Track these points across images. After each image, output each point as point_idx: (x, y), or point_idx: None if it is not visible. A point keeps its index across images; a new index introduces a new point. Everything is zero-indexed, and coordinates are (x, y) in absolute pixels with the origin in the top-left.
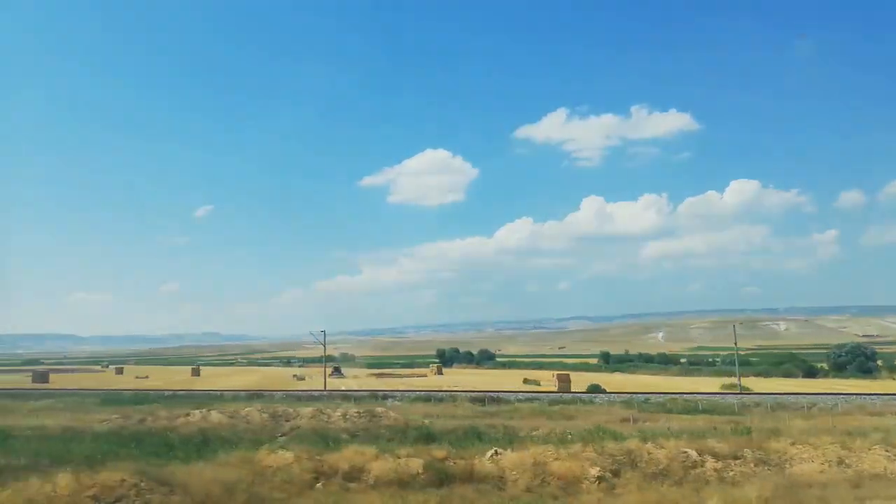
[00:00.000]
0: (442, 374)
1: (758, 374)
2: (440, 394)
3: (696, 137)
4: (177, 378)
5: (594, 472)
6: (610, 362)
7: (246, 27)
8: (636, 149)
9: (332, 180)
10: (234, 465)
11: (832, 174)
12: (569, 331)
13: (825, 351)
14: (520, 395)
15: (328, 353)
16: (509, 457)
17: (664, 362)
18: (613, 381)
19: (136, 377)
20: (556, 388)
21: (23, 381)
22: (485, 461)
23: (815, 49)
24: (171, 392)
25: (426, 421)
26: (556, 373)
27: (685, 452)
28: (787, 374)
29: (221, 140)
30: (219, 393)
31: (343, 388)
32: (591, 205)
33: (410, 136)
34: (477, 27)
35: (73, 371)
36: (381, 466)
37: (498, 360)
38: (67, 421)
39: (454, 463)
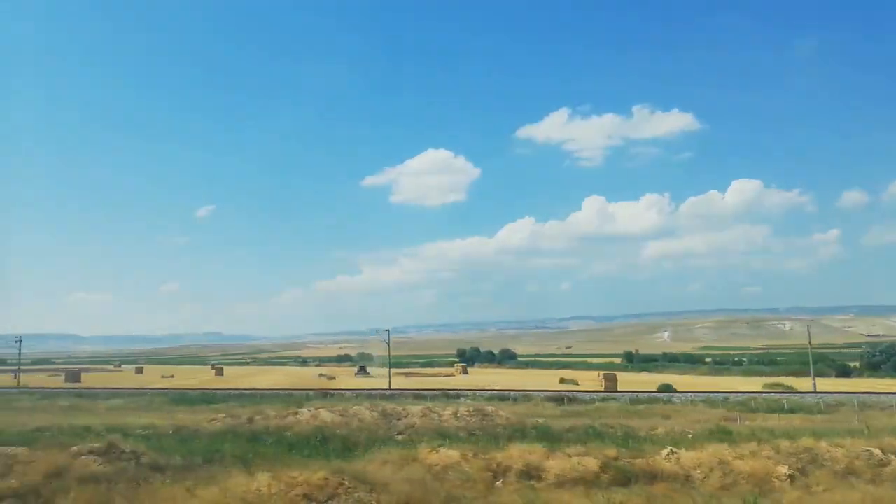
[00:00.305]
0: (467, 373)
1: (789, 374)
2: (514, 393)
3: (699, 137)
4: (202, 378)
5: (783, 470)
6: (634, 362)
7: (247, 27)
8: (638, 148)
9: (334, 180)
10: (397, 462)
11: (834, 174)
12: (571, 331)
13: (833, 350)
14: (593, 395)
15: (331, 353)
16: (687, 455)
17: (689, 361)
18: (653, 381)
19: (163, 376)
20: (602, 388)
21: (50, 381)
22: (661, 460)
23: (817, 49)
24: (226, 391)
25: (540, 420)
26: (602, 372)
27: (868, 451)
28: (819, 374)
29: (222, 140)
30: (257, 392)
31: (400, 388)
32: (592, 204)
33: (412, 135)
34: (479, 27)
35: (90, 371)
36: (558, 465)
37: (519, 359)
38: (163, 419)
39: (629, 462)
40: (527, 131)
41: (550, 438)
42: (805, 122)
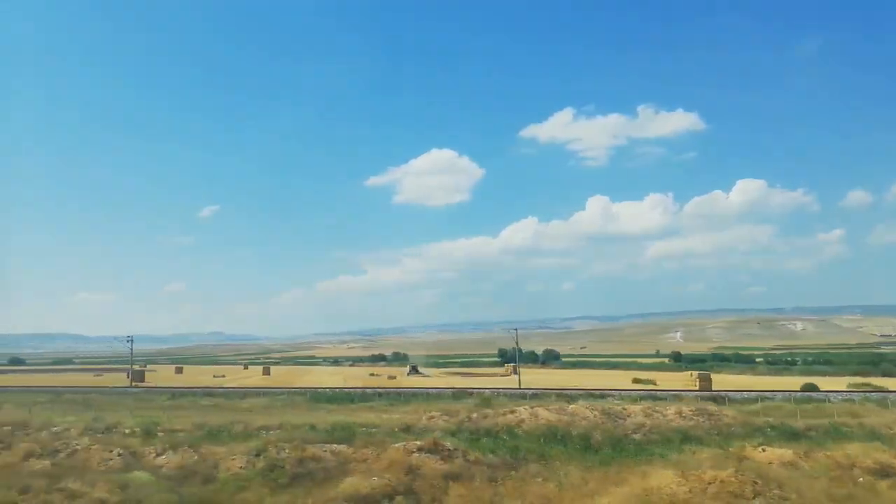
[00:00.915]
0: (517, 373)
1: (854, 374)
2: (661, 393)
3: (703, 137)
4: (251, 378)
5: None
6: (682, 361)
7: (249, 27)
8: (642, 148)
9: (337, 180)
10: (717, 460)
11: (838, 174)
12: (578, 331)
13: (848, 350)
14: (744, 394)
15: (343, 353)
16: None
17: (741, 361)
18: (744, 383)
19: (214, 376)
20: (696, 387)
21: (112, 380)
22: None
23: (821, 49)
24: (340, 390)
25: (769, 419)
26: (696, 372)
27: None
28: (888, 374)
29: (225, 140)
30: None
31: (480, 388)
32: (596, 204)
33: (416, 136)
34: (483, 27)
35: (112, 371)
36: None
37: (563, 360)
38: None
39: None
40: (531, 131)
41: (794, 436)
42: (809, 122)
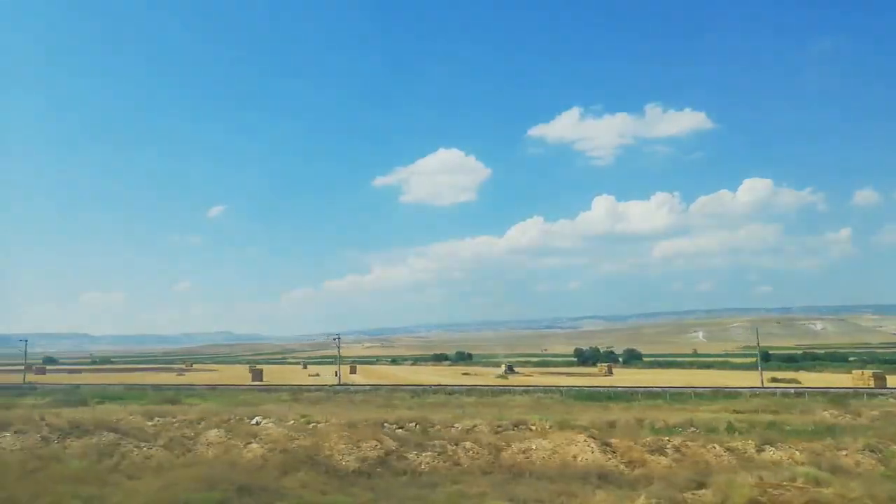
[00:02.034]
0: (612, 373)
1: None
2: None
3: (711, 136)
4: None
5: None
6: (770, 360)
7: (259, 23)
8: (650, 148)
9: (345, 180)
10: None
11: (846, 172)
12: (593, 331)
13: (871, 350)
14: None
15: (356, 352)
16: None
17: (834, 360)
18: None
19: (309, 375)
20: (872, 386)
21: (230, 377)
22: None
23: (830, 48)
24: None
25: None
26: (869, 372)
27: None
28: None
29: (233, 140)
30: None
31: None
32: (602, 204)
33: (424, 135)
34: (491, 26)
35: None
36: None
37: (643, 360)
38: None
39: None
40: (539, 130)
41: None
42: (817, 122)
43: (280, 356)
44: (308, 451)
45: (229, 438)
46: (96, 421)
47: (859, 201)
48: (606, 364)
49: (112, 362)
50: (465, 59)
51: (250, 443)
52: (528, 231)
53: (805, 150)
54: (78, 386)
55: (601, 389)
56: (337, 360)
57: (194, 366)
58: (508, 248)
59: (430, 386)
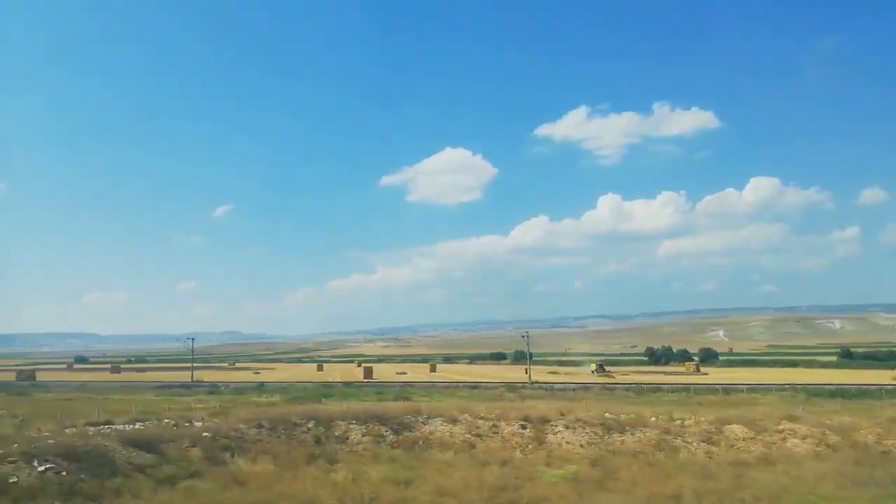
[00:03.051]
0: (700, 371)
1: None
2: None
3: (718, 135)
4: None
5: None
6: (854, 358)
7: (268, 21)
8: (656, 147)
9: (351, 180)
10: None
11: (853, 171)
12: (605, 330)
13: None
14: None
15: (374, 351)
16: None
17: None
18: None
19: (396, 373)
20: None
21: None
22: None
23: (835, 48)
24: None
25: None
26: None
27: None
28: None
29: (238, 141)
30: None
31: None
32: (607, 203)
33: (431, 135)
34: (498, 27)
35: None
36: None
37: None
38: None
39: None
40: (545, 130)
41: None
42: (823, 121)
43: (303, 355)
44: None
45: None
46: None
47: (866, 200)
48: (693, 363)
49: (147, 361)
50: (472, 59)
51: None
52: (532, 230)
53: (812, 148)
54: (261, 384)
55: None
56: (527, 358)
57: (236, 364)
58: (512, 247)
59: (645, 385)
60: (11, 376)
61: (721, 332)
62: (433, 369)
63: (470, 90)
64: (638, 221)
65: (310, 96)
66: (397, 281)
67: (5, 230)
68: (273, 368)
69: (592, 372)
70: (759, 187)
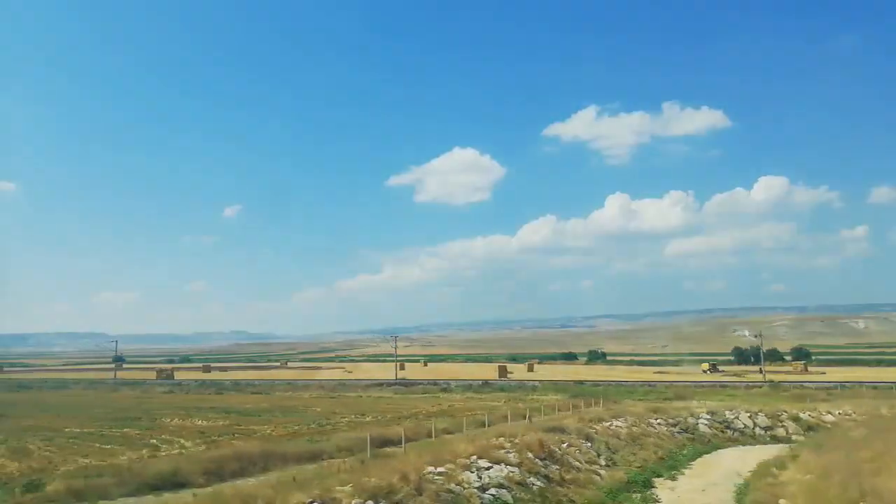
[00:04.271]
0: (808, 371)
1: None
2: None
3: (728, 134)
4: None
5: None
6: None
7: (273, 25)
8: (666, 146)
9: (359, 180)
10: None
11: (862, 170)
12: (620, 329)
13: None
14: None
15: (391, 350)
16: None
17: None
18: None
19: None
20: None
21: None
22: None
23: (846, 47)
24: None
25: None
26: None
27: None
28: None
29: (248, 141)
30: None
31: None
32: (616, 202)
33: (439, 135)
34: (507, 26)
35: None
36: None
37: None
38: None
39: None
40: (554, 129)
41: None
42: (833, 120)
43: (325, 355)
44: None
45: None
46: None
47: (876, 199)
48: (802, 363)
49: (190, 360)
50: (482, 59)
51: None
52: (540, 230)
53: (821, 148)
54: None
55: None
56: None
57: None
58: (521, 247)
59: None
60: (151, 375)
61: (747, 332)
62: (530, 369)
63: (479, 90)
64: (647, 221)
65: (319, 97)
66: (407, 280)
67: (18, 230)
68: (344, 368)
69: (705, 371)
70: (768, 186)
